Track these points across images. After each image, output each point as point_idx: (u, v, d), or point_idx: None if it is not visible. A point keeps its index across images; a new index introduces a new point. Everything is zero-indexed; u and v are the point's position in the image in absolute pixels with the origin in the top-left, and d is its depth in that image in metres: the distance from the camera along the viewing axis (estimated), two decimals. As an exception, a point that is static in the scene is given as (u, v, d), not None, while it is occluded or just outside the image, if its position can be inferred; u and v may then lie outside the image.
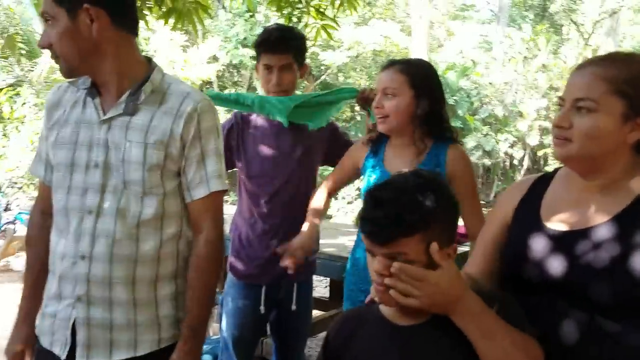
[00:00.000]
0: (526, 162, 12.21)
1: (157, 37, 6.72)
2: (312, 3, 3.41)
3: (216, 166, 1.37)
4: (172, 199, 1.36)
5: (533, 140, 11.56)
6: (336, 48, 12.04)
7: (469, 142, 12.87)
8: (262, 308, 2.03)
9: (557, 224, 1.10)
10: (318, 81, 14.05)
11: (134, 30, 1.36)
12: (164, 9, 2.76)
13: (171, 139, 1.32)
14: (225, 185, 1.40)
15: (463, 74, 14.27)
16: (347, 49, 11.75)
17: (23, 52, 8.49)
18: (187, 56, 7.44)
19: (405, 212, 0.94)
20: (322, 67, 13.10)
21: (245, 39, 11.02)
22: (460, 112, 13.92)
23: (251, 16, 10.01)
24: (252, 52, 11.35)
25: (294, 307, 2.05)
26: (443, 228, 0.98)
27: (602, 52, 14.10)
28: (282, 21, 3.53)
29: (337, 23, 3.53)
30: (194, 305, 1.35)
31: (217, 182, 1.37)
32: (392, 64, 1.82)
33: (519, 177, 11.88)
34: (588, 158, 1.06)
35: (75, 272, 1.32)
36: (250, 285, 2.07)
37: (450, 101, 13.79)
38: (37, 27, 9.14)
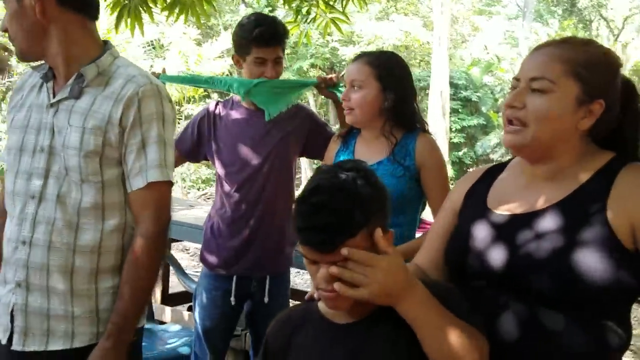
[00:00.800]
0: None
1: (171, 31, 6.76)
2: (321, -4, 3.36)
3: (157, 155, 1.28)
4: (113, 189, 1.29)
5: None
6: (356, 43, 11.98)
7: (492, 139, 12.68)
8: (232, 299, 2.01)
9: (501, 209, 1.07)
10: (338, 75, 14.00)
11: (87, 12, 1.31)
12: (167, 1, 2.75)
13: (109, 124, 1.26)
14: (168, 176, 1.30)
15: (487, 69, 14.06)
16: (367, 44, 11.67)
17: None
18: (201, 50, 7.48)
19: (346, 214, 0.88)
20: (343, 63, 13.03)
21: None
22: (483, 108, 13.72)
23: (270, 11, 10.00)
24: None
25: (266, 299, 2.03)
26: (380, 216, 0.94)
27: (631, 48, 13.71)
28: (290, 15, 3.49)
29: (347, 16, 3.46)
30: (122, 301, 1.28)
31: (157, 172, 1.27)
32: (360, 56, 1.79)
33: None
34: (540, 143, 1.01)
35: (16, 258, 1.29)
36: (221, 276, 2.05)
37: (474, 97, 13.62)
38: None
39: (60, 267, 1.27)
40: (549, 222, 0.99)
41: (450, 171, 11.30)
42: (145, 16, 2.74)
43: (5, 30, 1.30)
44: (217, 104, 2.12)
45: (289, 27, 3.58)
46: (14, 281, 1.30)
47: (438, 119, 11.28)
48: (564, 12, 17.38)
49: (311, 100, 12.24)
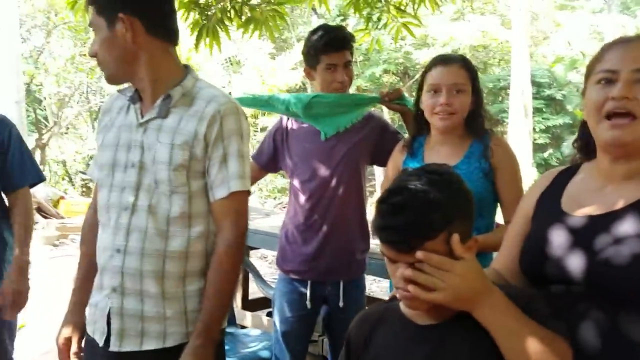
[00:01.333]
0: None
1: (246, 47, 7.04)
2: (392, 1, 3.35)
3: (238, 167, 1.38)
4: (198, 199, 1.40)
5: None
6: (431, 46, 11.80)
7: (579, 139, 11.98)
8: (308, 303, 2.07)
9: (578, 212, 1.03)
10: (412, 80, 13.85)
11: (170, 39, 1.43)
12: (243, 19, 2.86)
13: (195, 140, 1.37)
14: (247, 186, 1.40)
15: (572, 66, 13.36)
16: (442, 46, 11.46)
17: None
18: (275, 63, 7.70)
19: (426, 215, 0.90)
20: (417, 66, 12.88)
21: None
22: (569, 107, 13.04)
23: (342, 20, 10.10)
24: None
25: (341, 304, 2.07)
26: (462, 221, 0.94)
27: None
28: (362, 22, 3.52)
29: (419, 20, 3.43)
30: (209, 301, 1.37)
31: (238, 182, 1.38)
32: (451, 60, 1.76)
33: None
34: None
35: (112, 265, 1.39)
36: (296, 280, 2.12)
37: (558, 96, 12.99)
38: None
39: (152, 272, 1.37)
40: (628, 223, 0.95)
41: (534, 173, 10.81)
42: (222, 34, 2.88)
43: (94, 55, 1.41)
44: (286, 117, 2.20)
45: (360, 34, 3.63)
46: (110, 287, 1.40)
47: (520, 120, 10.86)
48: (657, 1, 16.18)
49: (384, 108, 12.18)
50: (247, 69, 7.78)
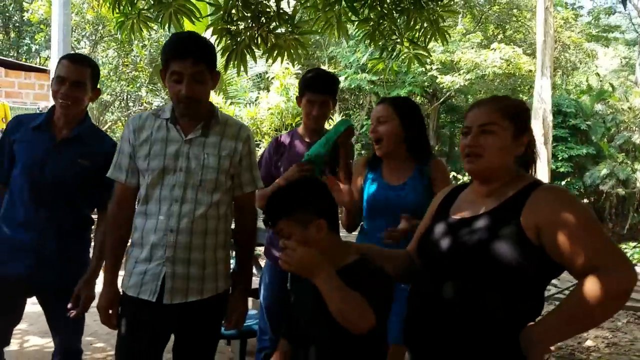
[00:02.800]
0: (668, 193, 11.10)
1: (276, 65, 7.46)
2: (405, 34, 3.68)
3: (257, 172, 2.06)
4: (228, 192, 1.97)
5: (675, 169, 10.49)
6: (456, 71, 12.05)
7: (602, 169, 12.01)
8: (288, 285, 2.49)
9: (457, 214, 1.52)
10: (438, 102, 14.10)
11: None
12: (268, 45, 3.23)
13: (235, 153, 1.95)
14: (262, 185, 2.11)
15: (599, 97, 13.39)
16: (467, 72, 11.72)
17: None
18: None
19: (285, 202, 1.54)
20: (444, 90, 13.15)
21: (365, 64, 11.50)
22: (593, 137, 13.05)
23: (367, 46, 10.44)
24: (370, 77, 11.81)
25: None
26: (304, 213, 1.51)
27: None
28: (377, 51, 3.86)
29: (428, 52, 3.76)
30: (242, 261, 2.07)
31: (259, 182, 2.07)
32: (382, 100, 2.35)
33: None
34: None
35: (166, 241, 1.86)
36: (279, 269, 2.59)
37: (583, 126, 13.01)
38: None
39: (198, 245, 1.88)
40: (482, 223, 1.40)
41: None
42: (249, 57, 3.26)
43: (198, 100, 1.88)
44: (281, 136, 2.73)
45: (375, 63, 3.97)
46: (163, 257, 1.86)
47: (540, 147, 10.98)
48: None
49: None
50: (274, 86, 8.22)
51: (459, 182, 2.19)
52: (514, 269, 1.33)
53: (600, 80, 14.33)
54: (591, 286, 1.27)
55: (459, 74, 11.85)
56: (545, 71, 10.80)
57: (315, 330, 1.51)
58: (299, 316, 1.62)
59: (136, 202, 1.97)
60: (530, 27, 15.40)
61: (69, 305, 2.12)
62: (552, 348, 1.42)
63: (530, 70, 12.32)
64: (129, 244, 2.00)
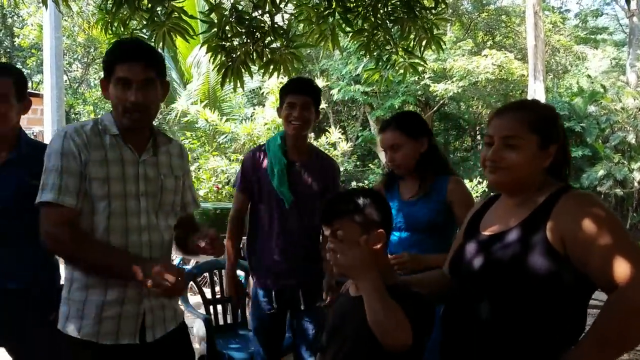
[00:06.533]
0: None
1: (270, 80, 7.45)
2: (400, 44, 3.67)
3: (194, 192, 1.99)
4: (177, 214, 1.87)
5: (670, 168, 10.53)
6: (448, 79, 12.09)
7: (599, 170, 12.03)
8: (274, 305, 2.52)
9: (487, 229, 1.44)
10: (432, 110, 14.13)
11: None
12: (264, 60, 3.21)
13: (184, 172, 1.87)
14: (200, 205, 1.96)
15: (591, 99, 13.45)
16: (460, 79, 11.76)
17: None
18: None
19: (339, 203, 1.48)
20: (437, 98, 13.18)
21: (357, 75, 11.53)
22: (588, 139, 13.08)
23: (362, 54, 10.47)
24: (363, 88, 11.83)
25: (302, 307, 2.51)
26: (368, 219, 1.43)
27: None
28: (372, 62, 3.84)
29: (424, 61, 3.75)
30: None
31: (198, 203, 1.97)
32: (388, 123, 2.31)
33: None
34: None
35: None
36: (265, 289, 2.56)
37: (577, 128, 13.06)
38: (173, 76, 10.42)
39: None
40: (513, 236, 1.33)
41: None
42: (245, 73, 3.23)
43: (147, 105, 1.68)
44: (257, 151, 2.62)
45: (370, 73, 3.96)
46: (139, 295, 1.69)
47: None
48: (680, 35, 16.22)
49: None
50: (269, 101, 8.21)
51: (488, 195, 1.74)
52: (550, 283, 1.25)
53: (592, 82, 14.40)
54: (619, 303, 1.18)
55: (452, 82, 11.88)
56: (537, 75, 10.86)
57: (348, 347, 1.43)
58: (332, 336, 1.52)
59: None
60: (520, 32, 15.52)
61: None
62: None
63: (523, 75, 12.37)
64: (74, 285, 1.68)
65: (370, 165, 13.68)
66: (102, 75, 1.69)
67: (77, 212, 1.62)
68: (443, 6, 3.48)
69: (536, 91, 11.13)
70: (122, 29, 3.16)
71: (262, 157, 2.55)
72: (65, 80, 11.84)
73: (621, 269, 1.18)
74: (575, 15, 20.78)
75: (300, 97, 2.47)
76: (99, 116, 1.85)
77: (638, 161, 11.20)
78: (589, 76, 14.42)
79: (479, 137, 17.16)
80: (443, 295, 1.50)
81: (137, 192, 1.70)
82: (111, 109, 1.72)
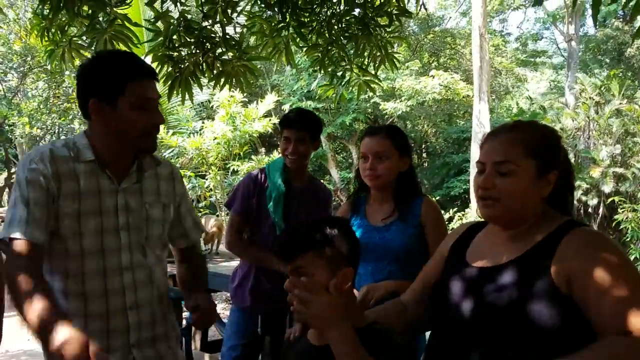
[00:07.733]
0: (601, 210, 11.61)
1: (220, 94, 7.29)
2: (354, 61, 3.62)
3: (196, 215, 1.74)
4: (167, 245, 1.62)
5: (608, 187, 11.02)
6: (397, 98, 12.28)
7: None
8: (258, 330, 2.43)
9: (476, 262, 1.26)
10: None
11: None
12: (215, 72, 3.07)
13: (175, 197, 1.63)
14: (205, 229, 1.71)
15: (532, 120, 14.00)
16: (408, 98, 11.97)
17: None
18: (247, 111, 7.96)
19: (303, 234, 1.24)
20: (386, 117, 13.34)
21: (309, 91, 11.51)
22: (529, 158, 13.59)
23: (314, 70, 10.48)
24: (314, 104, 11.84)
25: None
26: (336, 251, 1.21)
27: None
28: (326, 78, 3.77)
29: (378, 79, 3.71)
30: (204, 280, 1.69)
31: (202, 226, 1.76)
32: (377, 130, 2.10)
33: (594, 226, 11.28)
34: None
35: (127, 324, 1.46)
36: (249, 313, 2.48)
37: (519, 148, 13.55)
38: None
39: (160, 316, 1.57)
40: (509, 276, 1.16)
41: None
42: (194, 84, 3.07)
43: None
44: (259, 173, 2.55)
45: (325, 89, 3.89)
46: (127, 344, 1.49)
47: (481, 170, 11.26)
48: (612, 61, 17.23)
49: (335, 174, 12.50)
50: (219, 115, 8.01)
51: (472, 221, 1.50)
52: (555, 333, 1.09)
53: (532, 103, 15.01)
54: (617, 348, 1.03)
55: (400, 101, 12.06)
56: (482, 95, 11.17)
57: None
58: None
59: (45, 276, 1.38)
60: (464, 54, 16.01)
61: None
62: None
63: (468, 96, 12.72)
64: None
65: (321, 181, 13.63)
66: (93, 95, 1.42)
67: (42, 249, 1.38)
68: (397, 24, 3.45)
69: (481, 111, 11.43)
70: (59, 36, 2.94)
71: (263, 179, 2.53)
72: (0, 90, 11.22)
73: (637, 319, 1.04)
74: (515, 38, 21.70)
75: (295, 132, 2.43)
76: (69, 136, 1.61)
77: (577, 180, 11.66)
78: (529, 98, 15.00)
79: (424, 154, 17.50)
80: (408, 328, 1.38)
81: (117, 226, 1.46)
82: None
